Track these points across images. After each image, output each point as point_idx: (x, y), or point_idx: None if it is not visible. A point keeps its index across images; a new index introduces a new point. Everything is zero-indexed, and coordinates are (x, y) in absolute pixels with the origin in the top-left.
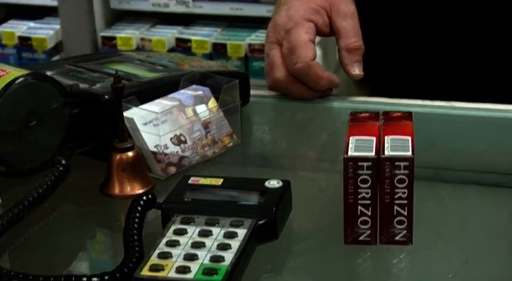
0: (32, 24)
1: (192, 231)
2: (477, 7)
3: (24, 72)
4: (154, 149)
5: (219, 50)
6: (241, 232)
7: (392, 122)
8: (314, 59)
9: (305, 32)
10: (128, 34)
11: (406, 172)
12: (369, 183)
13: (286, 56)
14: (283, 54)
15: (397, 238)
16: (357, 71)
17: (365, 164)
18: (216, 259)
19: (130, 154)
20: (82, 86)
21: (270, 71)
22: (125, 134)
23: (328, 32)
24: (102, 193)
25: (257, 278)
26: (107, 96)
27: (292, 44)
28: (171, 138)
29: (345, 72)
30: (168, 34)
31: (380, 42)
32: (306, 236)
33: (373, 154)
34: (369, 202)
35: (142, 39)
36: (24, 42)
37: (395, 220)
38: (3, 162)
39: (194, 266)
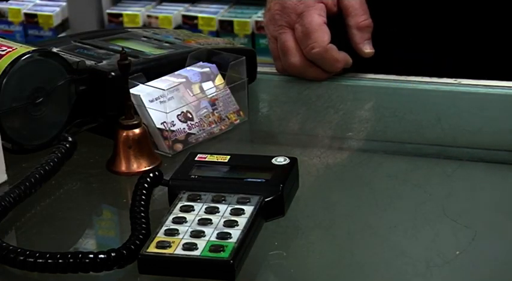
0: (38, 1)
1: (199, 208)
2: None
3: (31, 48)
4: (161, 126)
5: (225, 28)
6: (248, 209)
7: None
8: (330, 42)
9: (318, 14)
10: (134, 11)
11: None
12: None
13: (301, 40)
14: (296, 39)
15: None
16: (368, 48)
17: None
18: (223, 236)
19: (136, 131)
20: (88, 62)
21: (283, 56)
22: (132, 111)
23: (336, 11)
24: (109, 170)
25: (264, 255)
26: (113, 73)
27: (307, 28)
28: (177, 115)
29: (356, 50)
30: (174, 11)
31: (387, 18)
32: (313, 213)
33: None
34: None
35: (148, 16)
36: (30, 19)
37: None
38: (9, 139)
39: (201, 243)
